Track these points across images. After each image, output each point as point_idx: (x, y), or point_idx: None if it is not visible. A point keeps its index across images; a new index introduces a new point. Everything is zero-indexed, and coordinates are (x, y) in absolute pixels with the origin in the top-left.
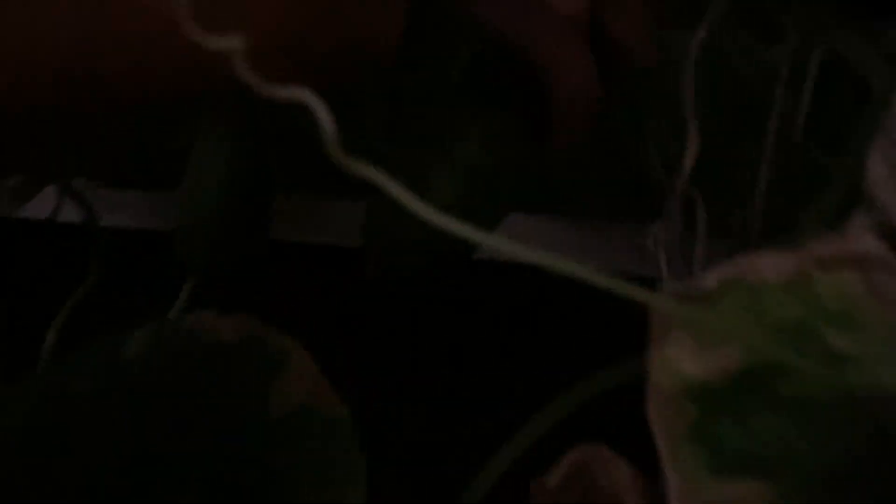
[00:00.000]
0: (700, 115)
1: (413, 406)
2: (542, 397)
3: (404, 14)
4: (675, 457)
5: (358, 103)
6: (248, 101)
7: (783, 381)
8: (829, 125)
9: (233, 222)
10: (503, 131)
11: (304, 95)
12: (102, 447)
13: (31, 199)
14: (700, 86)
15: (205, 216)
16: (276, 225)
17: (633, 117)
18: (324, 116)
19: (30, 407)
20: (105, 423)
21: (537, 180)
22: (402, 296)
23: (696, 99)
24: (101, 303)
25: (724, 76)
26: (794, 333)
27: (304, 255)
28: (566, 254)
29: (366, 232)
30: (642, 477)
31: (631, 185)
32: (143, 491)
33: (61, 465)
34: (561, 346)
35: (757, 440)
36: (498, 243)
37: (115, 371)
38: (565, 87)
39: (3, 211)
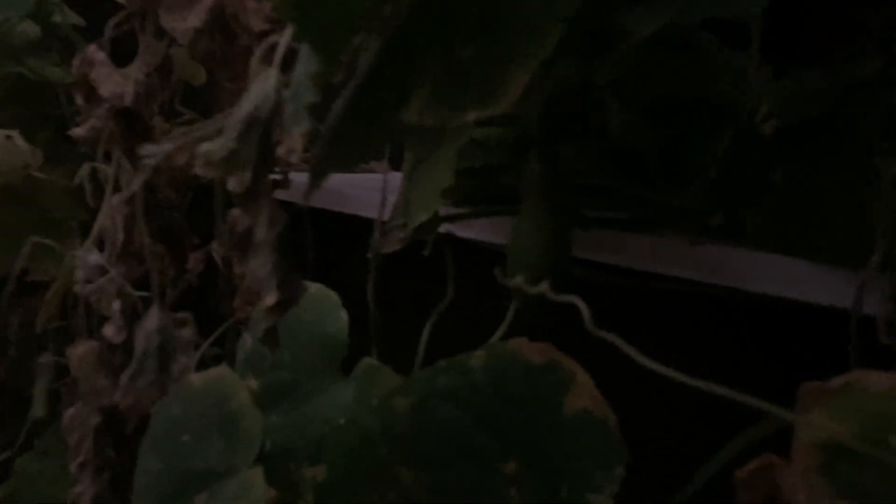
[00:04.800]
0: None
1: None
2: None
3: None
4: (808, 478)
5: None
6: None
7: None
8: None
9: (552, 265)
10: None
11: None
12: (456, 427)
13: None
14: None
15: (529, 259)
16: None
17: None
18: None
19: (417, 394)
20: (458, 408)
21: None
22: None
23: None
24: (459, 310)
25: None
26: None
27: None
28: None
29: None
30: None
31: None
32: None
33: (431, 429)
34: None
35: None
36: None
37: (465, 375)
38: None
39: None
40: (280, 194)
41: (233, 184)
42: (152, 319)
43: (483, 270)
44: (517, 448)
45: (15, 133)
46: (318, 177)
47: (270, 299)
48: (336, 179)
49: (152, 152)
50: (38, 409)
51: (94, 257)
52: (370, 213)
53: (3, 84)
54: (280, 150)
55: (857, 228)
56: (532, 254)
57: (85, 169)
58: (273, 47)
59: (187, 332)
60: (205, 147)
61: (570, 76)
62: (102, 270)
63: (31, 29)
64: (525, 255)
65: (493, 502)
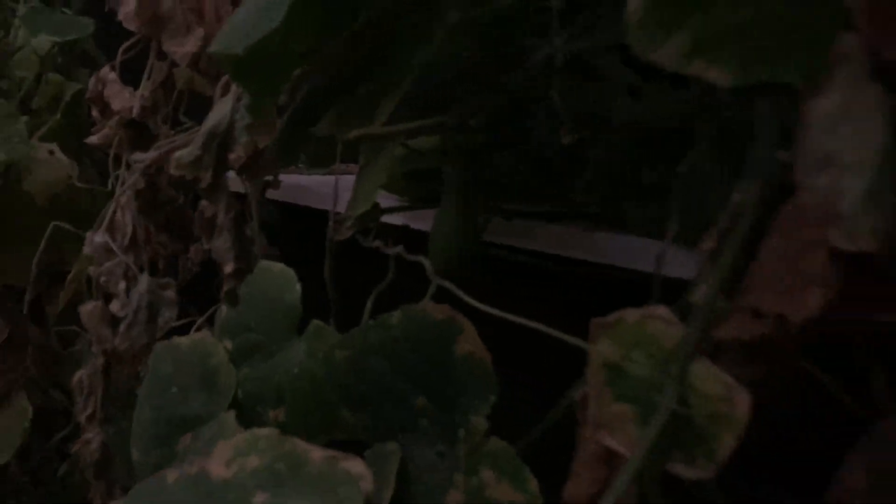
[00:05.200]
0: None
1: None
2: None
3: None
4: (598, 391)
5: None
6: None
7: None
8: None
9: (461, 248)
10: None
11: None
12: (382, 369)
13: None
14: None
15: (443, 243)
16: None
17: None
18: None
19: (352, 347)
20: (382, 357)
21: None
22: None
23: None
24: (396, 287)
25: None
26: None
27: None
28: None
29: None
30: None
31: None
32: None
33: (363, 376)
34: None
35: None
36: None
37: (387, 331)
38: None
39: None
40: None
41: (199, 182)
42: (143, 283)
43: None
44: (424, 387)
45: (55, 147)
46: (276, 169)
47: (229, 268)
48: (310, 180)
49: (140, 158)
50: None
51: (100, 237)
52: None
53: (45, 97)
54: (231, 157)
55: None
56: (446, 240)
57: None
58: (229, 82)
59: (169, 294)
60: (177, 154)
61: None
62: (111, 254)
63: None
64: (441, 240)
65: (411, 431)
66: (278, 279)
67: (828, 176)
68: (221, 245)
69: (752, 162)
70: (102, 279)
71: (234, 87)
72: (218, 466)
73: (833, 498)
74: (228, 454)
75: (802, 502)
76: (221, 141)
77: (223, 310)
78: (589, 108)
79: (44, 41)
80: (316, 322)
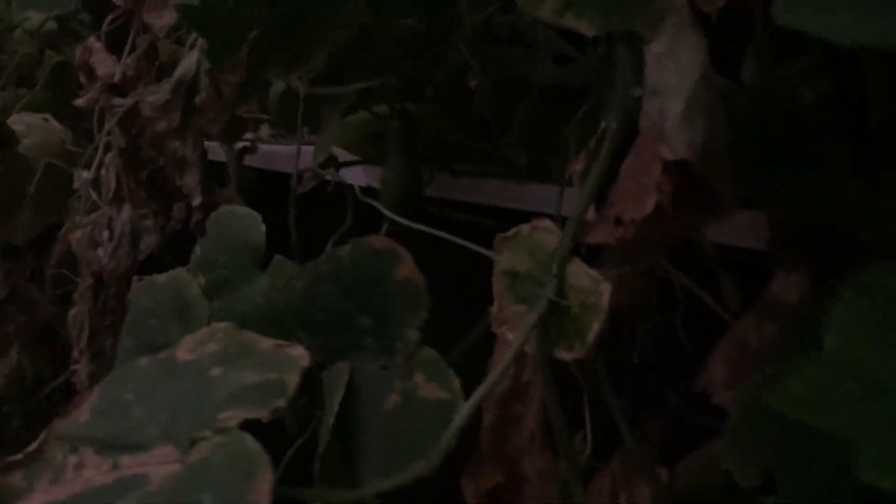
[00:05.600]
0: None
1: None
2: None
3: None
4: (500, 294)
5: None
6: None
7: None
8: None
9: (405, 197)
10: None
11: None
12: (332, 298)
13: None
14: None
15: (389, 192)
16: None
17: None
18: None
19: (307, 277)
20: (334, 285)
21: None
22: None
23: None
24: (352, 231)
25: None
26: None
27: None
28: None
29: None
30: None
31: None
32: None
33: (316, 302)
34: None
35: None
36: None
37: (337, 261)
38: None
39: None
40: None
41: (166, 124)
42: (125, 212)
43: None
44: (368, 308)
45: (48, 116)
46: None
47: (197, 200)
48: (281, 149)
49: (118, 103)
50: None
51: (86, 174)
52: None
53: (44, 72)
54: (196, 100)
55: None
56: (392, 190)
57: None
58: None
59: (149, 222)
60: (150, 98)
61: (427, 64)
62: (95, 206)
63: (52, 25)
64: (389, 186)
65: (358, 349)
66: (245, 221)
67: (657, 103)
68: (191, 181)
69: (612, 97)
70: (88, 229)
71: (199, 42)
72: (183, 353)
73: (700, 387)
74: (192, 344)
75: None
76: (189, 87)
77: (197, 250)
78: (517, 73)
79: (36, 19)
80: (278, 257)
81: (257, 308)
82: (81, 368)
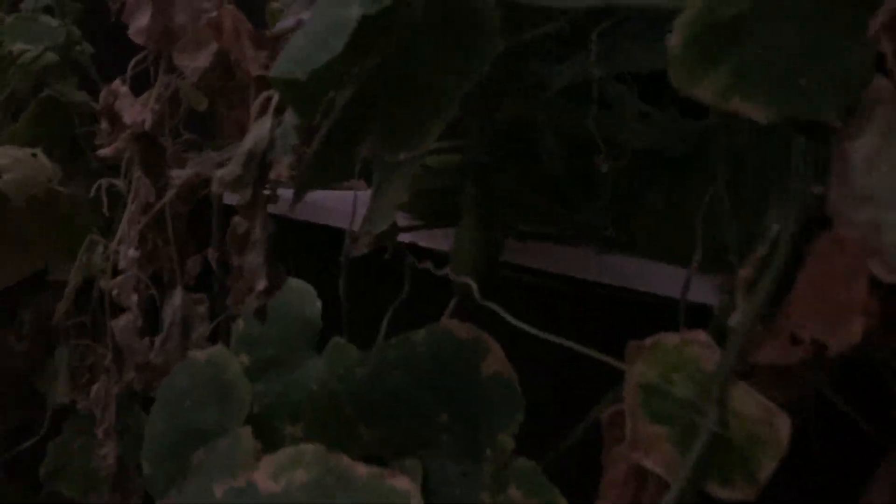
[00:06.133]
0: None
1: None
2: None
3: None
4: (633, 411)
5: None
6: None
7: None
8: None
9: (483, 268)
10: None
11: None
12: (402, 388)
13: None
14: None
15: (465, 263)
16: None
17: None
18: None
19: (373, 364)
20: (404, 374)
21: None
22: None
23: None
24: (414, 304)
25: None
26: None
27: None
28: None
29: None
30: None
31: None
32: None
33: (384, 392)
34: None
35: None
36: None
37: (410, 348)
38: None
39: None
40: (270, 208)
41: (237, 198)
42: (177, 298)
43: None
44: (447, 403)
45: (38, 151)
46: (300, 193)
47: (261, 284)
48: (317, 195)
49: (179, 174)
50: (63, 396)
51: (133, 252)
52: (343, 223)
53: (30, 106)
54: (272, 174)
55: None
56: (467, 260)
57: (104, 183)
58: (269, 99)
59: (202, 309)
60: (219, 172)
61: (503, 119)
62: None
63: (52, 58)
64: (463, 256)
65: (432, 446)
66: (298, 295)
67: (867, 212)
68: (254, 261)
69: (786, 193)
70: (115, 292)
71: (272, 107)
72: (265, 480)
73: None
74: (273, 467)
75: None
76: (261, 160)
77: (239, 325)
78: (600, 133)
79: (31, 52)
80: (336, 339)
81: (312, 395)
82: (108, 451)
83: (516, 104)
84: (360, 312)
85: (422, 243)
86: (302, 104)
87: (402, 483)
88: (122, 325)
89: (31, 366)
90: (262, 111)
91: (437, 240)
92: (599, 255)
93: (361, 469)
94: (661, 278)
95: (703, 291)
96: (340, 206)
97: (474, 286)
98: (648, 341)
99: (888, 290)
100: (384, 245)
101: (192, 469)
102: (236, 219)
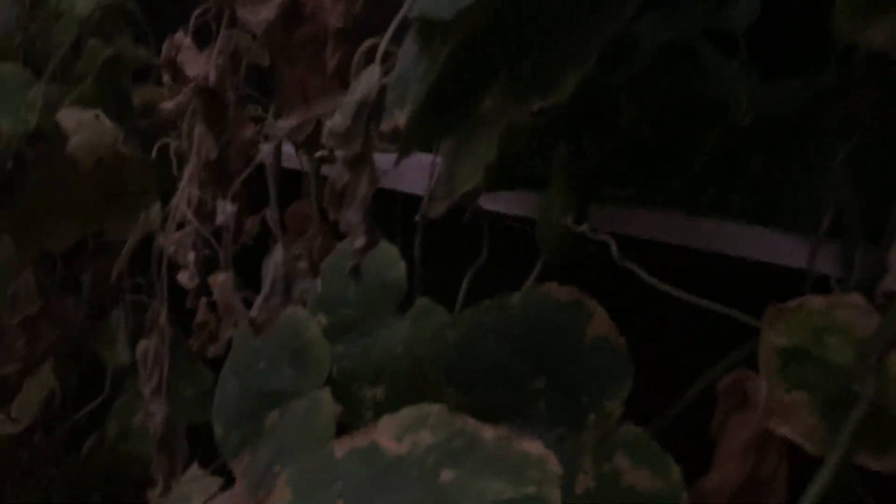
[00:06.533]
0: None
1: None
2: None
3: None
4: (770, 377)
5: None
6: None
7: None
8: None
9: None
10: None
11: None
12: (497, 351)
13: None
14: None
15: (553, 228)
16: None
17: None
18: None
19: (464, 327)
20: (498, 338)
21: None
22: None
23: None
24: (489, 268)
25: None
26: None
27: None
28: None
29: None
30: None
31: None
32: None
33: (475, 356)
34: None
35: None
36: None
37: (504, 311)
38: None
39: None
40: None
41: (344, 152)
42: (278, 254)
43: (507, 239)
44: (545, 368)
45: (100, 112)
46: (404, 152)
47: (359, 242)
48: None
49: (280, 126)
50: (123, 357)
51: (231, 207)
52: (415, 189)
53: (95, 66)
54: (384, 127)
55: (815, 205)
56: (554, 225)
57: (172, 144)
58: (373, 48)
59: (303, 265)
60: (329, 124)
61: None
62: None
63: (102, 11)
64: (549, 225)
65: (524, 413)
66: (381, 256)
67: None
68: (353, 218)
69: None
70: (172, 249)
71: (379, 54)
72: (388, 441)
73: None
74: (396, 428)
75: None
76: (371, 111)
77: (318, 284)
78: (696, 96)
79: (85, 6)
80: (423, 300)
81: (397, 358)
82: (157, 411)
83: (603, 66)
84: (432, 278)
85: (487, 207)
86: (434, 44)
87: (536, 448)
88: (221, 281)
89: (89, 329)
90: (368, 60)
91: (501, 203)
92: (693, 220)
93: (489, 432)
94: (761, 243)
95: (799, 257)
96: (412, 171)
97: (613, 245)
98: (792, 303)
99: None
100: (461, 208)
101: (265, 431)
102: (334, 174)
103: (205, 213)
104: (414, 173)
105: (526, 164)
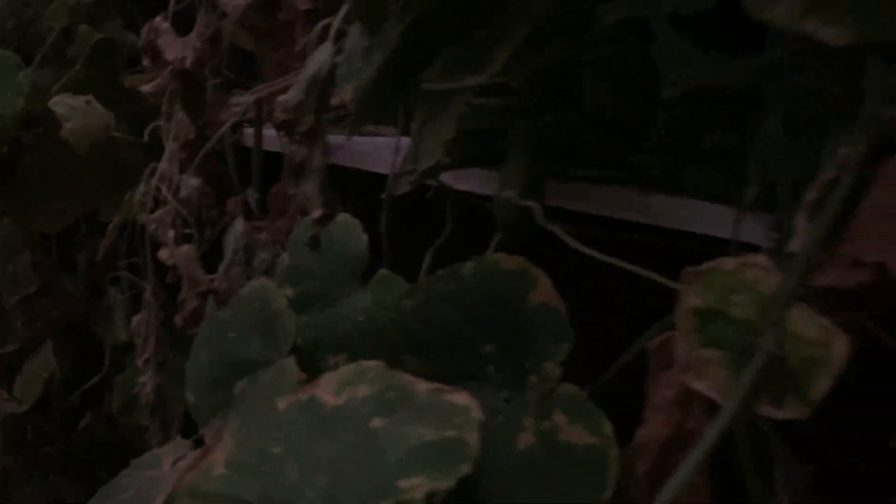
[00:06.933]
0: None
1: None
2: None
3: None
4: (686, 336)
5: None
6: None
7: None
8: None
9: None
10: None
11: None
12: (451, 318)
13: None
14: None
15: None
16: None
17: None
18: None
19: (421, 296)
20: (452, 306)
21: None
22: None
23: None
24: (455, 245)
25: None
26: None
27: None
28: None
29: None
30: None
31: None
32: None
33: (431, 324)
34: None
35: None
36: None
37: (458, 280)
38: None
39: None
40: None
41: (298, 126)
42: (239, 226)
43: (471, 216)
44: (494, 334)
45: (91, 98)
46: (358, 123)
47: (317, 213)
48: (355, 141)
49: (241, 101)
50: (121, 334)
51: (194, 181)
52: (381, 168)
53: (84, 50)
54: (334, 101)
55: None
56: (513, 196)
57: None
58: (327, 27)
59: (264, 236)
60: (281, 98)
61: (551, 56)
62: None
63: None
64: (508, 196)
65: (476, 377)
66: (343, 228)
67: None
68: (310, 189)
69: (856, 119)
70: (153, 227)
71: (331, 33)
72: (327, 394)
73: None
74: (335, 384)
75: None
76: (323, 87)
77: (284, 258)
78: (648, 73)
79: None
80: (384, 271)
81: (358, 327)
82: (148, 381)
83: (564, 43)
84: (399, 255)
85: (456, 186)
86: (375, 23)
87: (462, 398)
88: (184, 252)
89: (85, 307)
90: (322, 39)
91: (470, 181)
92: (645, 196)
93: (422, 385)
94: (708, 218)
95: (752, 231)
96: (378, 151)
97: (538, 207)
98: (705, 266)
99: None
100: (425, 185)
101: (235, 399)
102: (293, 147)
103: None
104: (389, 154)
105: (490, 144)
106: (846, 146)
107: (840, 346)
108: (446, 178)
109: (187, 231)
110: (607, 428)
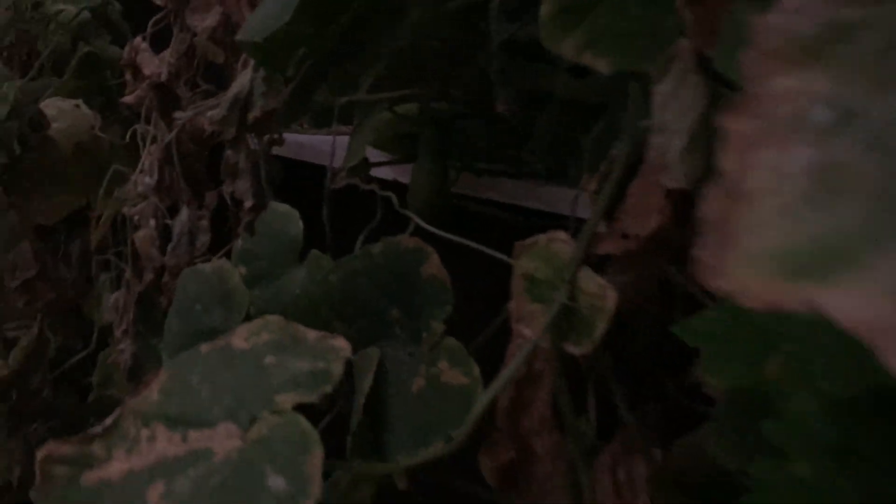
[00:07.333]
0: None
1: None
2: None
3: None
4: (518, 294)
5: None
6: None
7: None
8: None
9: (433, 196)
10: None
11: None
12: (367, 289)
13: None
14: None
15: (419, 192)
16: None
17: None
18: None
19: (343, 272)
20: (367, 279)
21: None
22: None
23: None
24: (384, 228)
25: None
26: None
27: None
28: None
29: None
30: None
31: None
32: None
33: (351, 294)
34: None
35: (537, 276)
36: None
37: (370, 258)
38: None
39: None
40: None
41: (226, 134)
42: (184, 214)
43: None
44: (398, 301)
45: (80, 102)
46: (281, 128)
47: (248, 203)
48: (310, 139)
49: (181, 116)
50: (110, 315)
51: (149, 180)
52: (326, 161)
53: (72, 62)
54: (250, 116)
55: None
56: (420, 192)
57: (140, 130)
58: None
59: (204, 223)
60: (210, 113)
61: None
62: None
63: (87, 16)
64: (417, 191)
65: (388, 336)
66: (284, 216)
67: (662, 137)
68: (242, 186)
69: (625, 127)
70: (136, 218)
71: (251, 63)
72: (239, 341)
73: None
74: (246, 333)
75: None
76: (243, 104)
77: (239, 242)
78: (537, 84)
79: (70, 11)
80: (315, 251)
81: (296, 298)
82: (125, 348)
83: (473, 59)
84: (343, 240)
85: (401, 179)
86: (263, 61)
87: (340, 342)
88: (141, 236)
89: (78, 292)
90: (245, 66)
91: (405, 174)
92: (537, 187)
93: (312, 333)
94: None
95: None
96: (324, 146)
97: (416, 218)
98: (528, 241)
99: (677, 195)
100: (361, 179)
101: None
102: (227, 153)
103: (163, 186)
104: (322, 148)
105: (414, 144)
106: (616, 148)
107: (611, 298)
108: (396, 174)
109: (167, 222)
110: (476, 371)
